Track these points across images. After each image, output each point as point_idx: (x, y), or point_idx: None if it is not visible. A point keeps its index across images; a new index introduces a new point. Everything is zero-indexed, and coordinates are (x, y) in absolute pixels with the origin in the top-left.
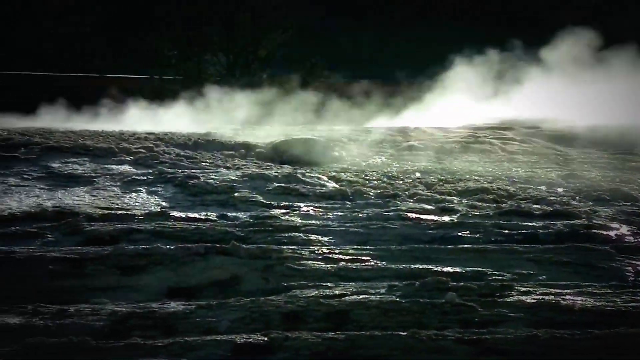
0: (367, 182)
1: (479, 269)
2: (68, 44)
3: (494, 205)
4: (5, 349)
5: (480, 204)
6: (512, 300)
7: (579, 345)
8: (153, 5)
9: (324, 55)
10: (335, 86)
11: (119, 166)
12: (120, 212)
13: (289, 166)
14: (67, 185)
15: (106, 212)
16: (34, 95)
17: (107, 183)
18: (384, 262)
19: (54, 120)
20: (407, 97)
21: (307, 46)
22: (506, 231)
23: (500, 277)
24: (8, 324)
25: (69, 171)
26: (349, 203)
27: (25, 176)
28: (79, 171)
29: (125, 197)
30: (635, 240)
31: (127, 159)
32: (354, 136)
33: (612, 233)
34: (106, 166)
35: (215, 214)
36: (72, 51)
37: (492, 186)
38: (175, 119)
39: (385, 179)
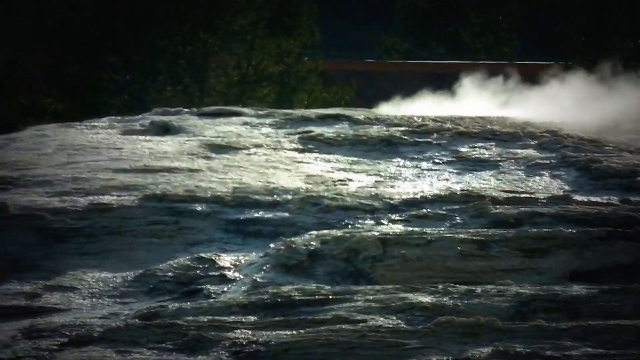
0: None
1: None
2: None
3: None
4: (419, 327)
5: None
6: None
7: None
8: None
9: None
10: None
11: (524, 150)
12: (523, 195)
13: None
14: (474, 169)
15: (510, 195)
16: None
17: (511, 167)
18: None
19: (466, 106)
20: None
21: None
22: None
23: None
24: (421, 302)
25: (476, 155)
26: None
27: (436, 160)
28: (486, 155)
29: (529, 180)
30: None
31: (531, 143)
32: None
33: None
34: (511, 150)
35: (617, 198)
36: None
37: None
38: (580, 104)
39: None
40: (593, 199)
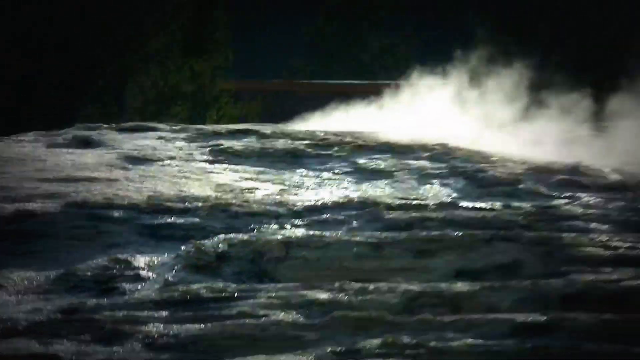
0: None
1: None
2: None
3: None
4: (316, 321)
5: None
6: None
7: None
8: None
9: None
10: None
11: (416, 161)
12: (415, 202)
13: (573, 160)
14: (371, 178)
15: (403, 202)
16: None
17: (405, 176)
18: None
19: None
20: None
21: None
22: None
23: None
24: (319, 298)
25: (373, 166)
26: (631, 194)
27: (336, 171)
28: (382, 166)
29: (420, 188)
30: None
31: (423, 155)
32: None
33: None
34: (405, 161)
35: (500, 204)
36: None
37: None
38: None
39: None
40: (478, 204)
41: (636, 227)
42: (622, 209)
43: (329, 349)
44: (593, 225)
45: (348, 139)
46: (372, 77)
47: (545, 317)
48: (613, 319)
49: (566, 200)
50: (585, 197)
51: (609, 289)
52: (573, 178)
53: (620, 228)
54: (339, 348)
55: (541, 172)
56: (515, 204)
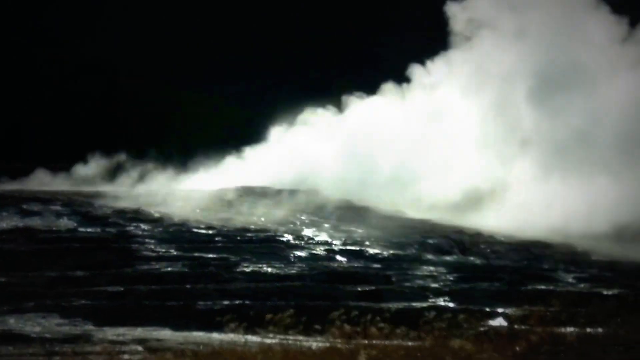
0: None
1: (224, 255)
2: None
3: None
4: None
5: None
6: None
7: (270, 289)
8: None
9: None
10: None
11: (55, 207)
12: (54, 228)
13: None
14: (29, 216)
15: (46, 229)
16: None
17: (49, 215)
18: (180, 252)
19: None
20: None
21: None
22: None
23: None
24: None
25: (30, 209)
26: (166, 223)
27: (10, 212)
28: (35, 209)
29: (58, 220)
30: (297, 241)
31: (59, 203)
32: None
33: (284, 239)
34: (49, 206)
35: (99, 229)
36: None
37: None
38: None
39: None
40: (89, 229)
41: (171, 241)
42: (161, 232)
43: None
44: (147, 240)
45: (16, 195)
46: None
47: (123, 288)
48: (159, 289)
49: (133, 227)
50: (143, 225)
51: (155, 273)
52: (136, 216)
53: (160, 242)
54: None
55: (120, 212)
56: (107, 229)
